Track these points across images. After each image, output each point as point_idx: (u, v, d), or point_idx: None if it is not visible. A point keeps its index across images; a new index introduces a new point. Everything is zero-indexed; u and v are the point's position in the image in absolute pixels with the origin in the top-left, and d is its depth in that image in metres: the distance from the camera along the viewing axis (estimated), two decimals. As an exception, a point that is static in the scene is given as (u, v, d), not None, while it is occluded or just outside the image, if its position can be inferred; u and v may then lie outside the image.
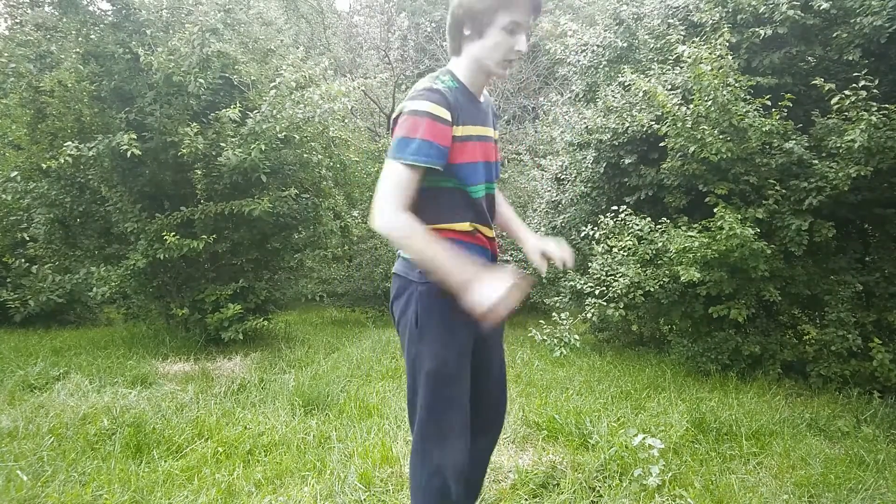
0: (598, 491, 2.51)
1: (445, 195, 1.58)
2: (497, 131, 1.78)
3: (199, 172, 5.24)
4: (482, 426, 1.81)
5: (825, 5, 4.34)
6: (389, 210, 1.44)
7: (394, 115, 1.58)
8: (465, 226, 1.62)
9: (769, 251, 4.22)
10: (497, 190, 1.80)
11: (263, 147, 5.21)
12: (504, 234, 1.98)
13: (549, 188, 7.32)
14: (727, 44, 4.39)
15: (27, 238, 6.00)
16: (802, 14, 4.48)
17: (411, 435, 1.70)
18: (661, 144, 4.85)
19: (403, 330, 1.67)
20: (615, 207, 5.36)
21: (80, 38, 5.28)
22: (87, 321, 8.56)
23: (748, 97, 4.40)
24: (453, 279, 1.44)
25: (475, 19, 1.52)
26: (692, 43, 4.59)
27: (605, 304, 5.09)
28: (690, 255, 4.35)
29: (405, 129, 1.48)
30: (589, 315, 5.21)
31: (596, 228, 5.46)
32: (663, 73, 5.11)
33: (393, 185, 1.45)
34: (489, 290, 1.39)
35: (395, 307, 1.71)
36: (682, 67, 4.84)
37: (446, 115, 1.49)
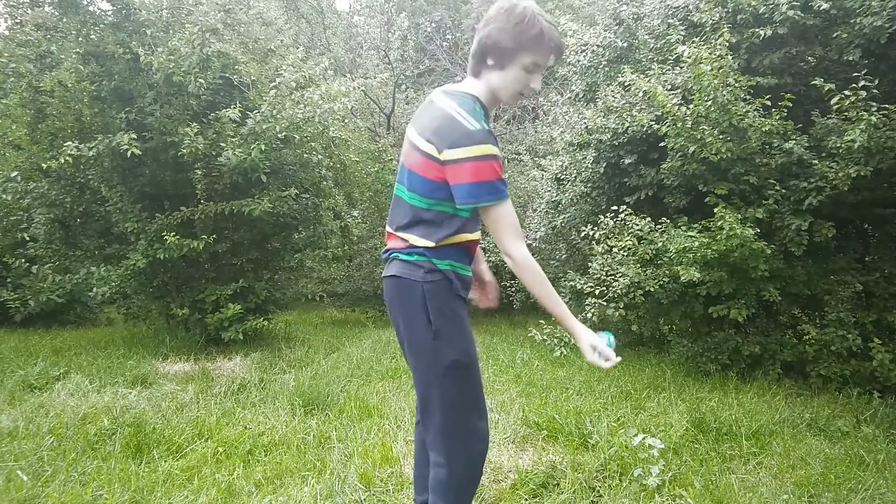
0: (598, 491, 2.51)
1: (473, 212, 1.68)
2: None
3: (199, 172, 5.23)
4: None
5: (825, 5, 4.34)
6: (522, 244, 1.62)
7: (456, 156, 1.57)
8: (477, 234, 1.73)
9: (769, 251, 4.22)
10: None
11: (263, 147, 5.21)
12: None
13: (549, 188, 7.32)
14: (727, 44, 4.38)
15: (27, 238, 5.99)
16: (802, 14, 4.48)
17: (428, 434, 1.70)
18: (661, 144, 4.84)
19: (413, 331, 1.67)
20: (615, 207, 5.35)
21: (80, 39, 5.28)
22: (88, 321, 8.57)
23: (748, 97, 4.39)
24: (571, 322, 1.65)
25: (501, 53, 1.61)
26: (692, 43, 4.59)
27: (605, 303, 5.09)
28: (690, 255, 4.35)
29: (492, 172, 1.58)
30: (589, 315, 5.21)
31: (596, 228, 5.45)
32: (663, 73, 5.10)
33: (513, 220, 1.62)
34: (599, 339, 1.64)
35: (398, 311, 1.71)
36: (682, 67, 4.84)
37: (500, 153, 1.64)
